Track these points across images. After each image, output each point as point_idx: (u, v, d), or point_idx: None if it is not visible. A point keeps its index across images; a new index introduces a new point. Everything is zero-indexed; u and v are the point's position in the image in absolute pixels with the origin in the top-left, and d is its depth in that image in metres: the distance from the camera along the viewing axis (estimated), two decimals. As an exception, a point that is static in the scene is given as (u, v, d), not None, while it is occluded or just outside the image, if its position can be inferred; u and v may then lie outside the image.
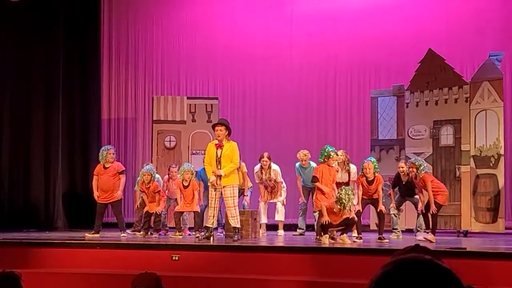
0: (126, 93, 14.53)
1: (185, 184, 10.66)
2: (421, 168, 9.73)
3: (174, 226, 10.87)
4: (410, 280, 1.49)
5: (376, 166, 10.13)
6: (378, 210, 9.95)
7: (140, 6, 14.62)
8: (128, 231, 11.24)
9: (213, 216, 9.66)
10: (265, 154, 11.37)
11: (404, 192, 10.48)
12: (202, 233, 9.90)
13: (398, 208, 10.51)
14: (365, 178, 10.01)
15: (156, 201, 10.83)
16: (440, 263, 1.53)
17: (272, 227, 11.58)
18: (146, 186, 10.84)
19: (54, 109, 13.78)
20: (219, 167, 9.56)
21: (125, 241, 9.87)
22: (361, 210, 9.98)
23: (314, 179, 9.87)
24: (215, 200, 9.67)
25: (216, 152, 9.60)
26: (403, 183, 10.44)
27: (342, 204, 9.17)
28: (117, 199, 10.93)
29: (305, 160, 11.25)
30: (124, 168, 11.23)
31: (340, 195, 9.22)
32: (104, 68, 14.55)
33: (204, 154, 10.13)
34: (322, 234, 9.28)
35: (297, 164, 11.40)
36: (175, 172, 11.29)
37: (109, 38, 14.61)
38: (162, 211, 10.98)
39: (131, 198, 13.19)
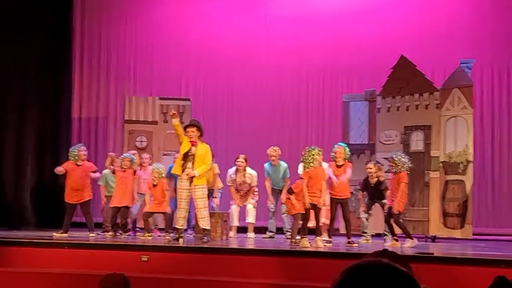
0: (98, 92, 14.44)
1: (154, 183, 10.64)
2: (405, 166, 9.68)
3: (143, 227, 10.83)
4: (367, 284, 1.50)
5: (347, 153, 9.98)
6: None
7: (113, 5, 14.53)
8: (98, 232, 11.18)
9: (183, 218, 9.62)
10: (241, 156, 11.31)
11: (373, 194, 10.47)
12: (172, 234, 9.86)
13: (368, 211, 10.54)
14: (334, 162, 9.84)
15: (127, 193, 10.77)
16: (397, 266, 1.54)
17: (242, 229, 11.56)
18: (123, 169, 10.75)
19: (26, 107, 13.63)
20: (191, 166, 9.49)
21: (93, 241, 9.80)
22: (334, 213, 9.90)
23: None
24: (184, 201, 9.63)
25: (191, 148, 9.56)
26: (371, 185, 10.42)
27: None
28: (86, 199, 10.86)
29: (274, 156, 11.20)
30: (96, 168, 11.20)
31: (305, 154, 9.22)
32: (76, 67, 14.43)
33: (176, 154, 10.12)
34: (301, 237, 9.24)
35: (266, 165, 11.35)
36: (146, 159, 11.32)
37: (81, 36, 14.51)
38: (131, 207, 10.91)
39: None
